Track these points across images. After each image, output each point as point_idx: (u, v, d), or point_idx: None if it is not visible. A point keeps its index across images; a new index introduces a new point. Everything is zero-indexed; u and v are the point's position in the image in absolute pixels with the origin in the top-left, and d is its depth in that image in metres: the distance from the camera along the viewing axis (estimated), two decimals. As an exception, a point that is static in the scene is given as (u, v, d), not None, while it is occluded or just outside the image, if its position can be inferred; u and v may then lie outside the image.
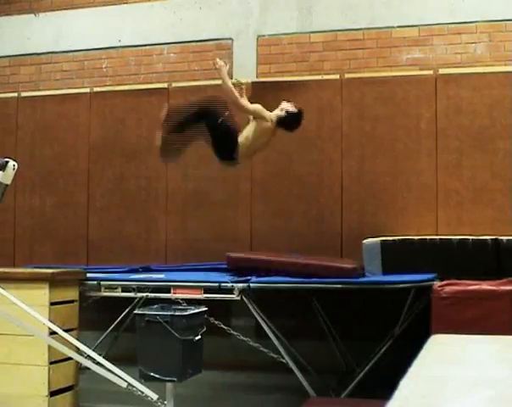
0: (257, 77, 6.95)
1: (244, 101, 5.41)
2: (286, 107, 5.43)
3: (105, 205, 7.21)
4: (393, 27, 6.64)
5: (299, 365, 5.31)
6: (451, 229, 6.13)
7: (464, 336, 2.38)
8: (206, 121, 5.20)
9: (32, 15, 7.67)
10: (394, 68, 6.61)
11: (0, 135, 7.54)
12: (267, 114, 5.37)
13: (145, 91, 7.19)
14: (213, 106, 5.24)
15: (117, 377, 4.05)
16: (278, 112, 5.43)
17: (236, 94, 5.31)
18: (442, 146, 6.36)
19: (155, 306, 4.89)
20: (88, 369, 4.37)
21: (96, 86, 7.39)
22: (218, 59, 5.47)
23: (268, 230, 6.71)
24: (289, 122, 5.44)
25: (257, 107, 5.36)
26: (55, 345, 4.32)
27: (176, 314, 4.60)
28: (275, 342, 5.11)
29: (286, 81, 6.81)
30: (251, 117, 5.44)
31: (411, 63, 6.58)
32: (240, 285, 5.10)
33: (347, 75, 6.67)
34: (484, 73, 6.32)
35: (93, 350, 4.63)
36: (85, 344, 4.42)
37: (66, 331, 4.50)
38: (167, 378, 4.57)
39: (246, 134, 5.33)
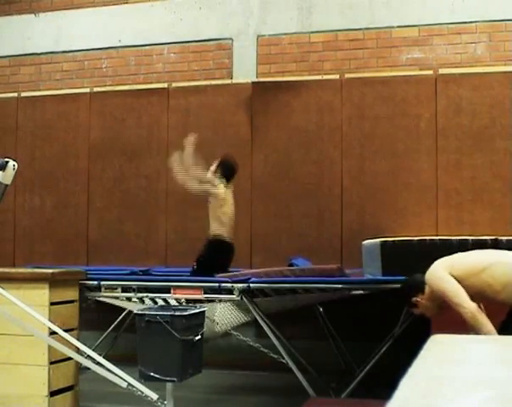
0: (257, 77, 6.95)
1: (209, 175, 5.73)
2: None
3: (105, 205, 7.21)
4: (393, 27, 6.64)
5: (299, 365, 5.31)
6: (451, 229, 6.13)
7: (464, 336, 2.38)
8: None
9: (32, 15, 7.67)
10: (394, 68, 6.61)
11: (0, 135, 7.54)
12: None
13: (145, 91, 7.19)
14: None
15: (117, 377, 4.05)
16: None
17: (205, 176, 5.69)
18: (442, 146, 6.36)
19: (155, 306, 4.89)
20: (88, 369, 4.37)
21: (96, 86, 7.39)
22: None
23: (268, 230, 6.70)
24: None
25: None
26: (55, 345, 4.32)
27: (176, 314, 4.60)
28: (275, 342, 5.10)
29: (286, 81, 6.81)
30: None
31: (411, 63, 6.58)
32: (240, 285, 5.09)
33: (347, 75, 6.67)
34: (484, 73, 6.32)
35: (93, 350, 4.63)
36: (85, 344, 4.42)
37: (66, 331, 4.49)
38: (167, 378, 4.56)
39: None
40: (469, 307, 3.62)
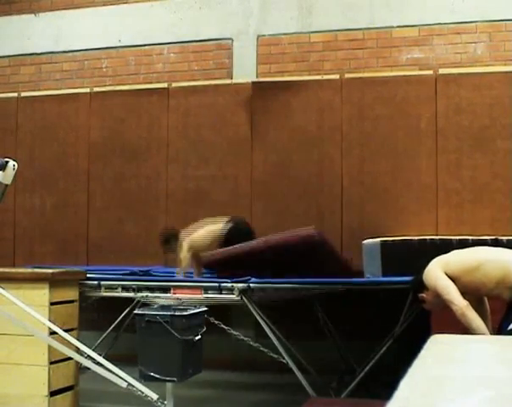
0: (257, 77, 6.95)
1: None
2: None
3: (105, 205, 7.21)
4: (393, 27, 6.64)
5: (299, 365, 5.31)
6: (451, 229, 6.13)
7: (464, 336, 2.38)
8: None
9: (32, 15, 7.67)
10: (394, 68, 6.61)
11: (0, 135, 7.54)
12: None
13: (145, 91, 7.19)
14: None
15: (117, 377, 4.04)
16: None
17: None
18: (442, 146, 6.36)
19: (155, 306, 4.89)
20: (88, 369, 4.37)
21: (96, 86, 7.39)
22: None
23: (268, 230, 6.68)
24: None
25: None
26: (55, 345, 4.32)
27: (176, 314, 4.60)
28: (275, 342, 5.10)
29: (286, 81, 6.81)
30: None
31: (411, 63, 6.58)
32: (240, 285, 5.09)
33: (347, 75, 6.67)
34: (484, 73, 6.32)
35: (93, 350, 4.62)
36: (85, 344, 4.42)
37: (66, 331, 4.49)
38: (167, 378, 4.56)
39: None
40: (459, 304, 3.75)
